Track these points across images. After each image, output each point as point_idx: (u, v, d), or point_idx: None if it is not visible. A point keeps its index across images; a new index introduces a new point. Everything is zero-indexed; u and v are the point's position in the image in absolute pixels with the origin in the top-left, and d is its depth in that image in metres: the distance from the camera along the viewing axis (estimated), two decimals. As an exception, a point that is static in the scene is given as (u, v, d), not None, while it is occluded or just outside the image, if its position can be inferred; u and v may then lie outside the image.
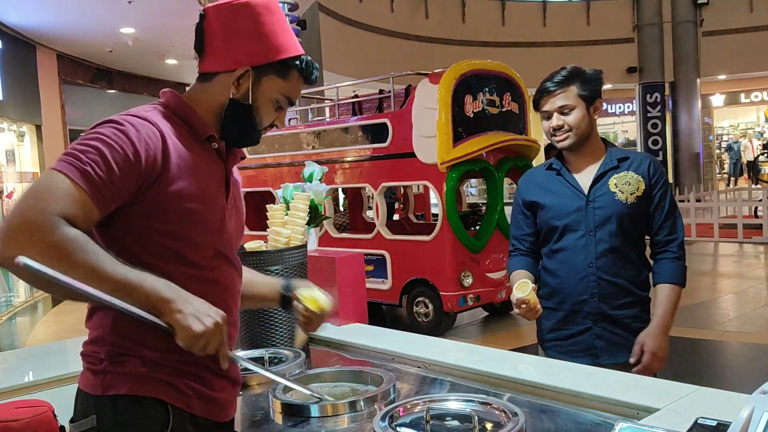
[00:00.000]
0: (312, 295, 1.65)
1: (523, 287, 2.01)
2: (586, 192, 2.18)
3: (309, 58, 1.45)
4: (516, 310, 2.05)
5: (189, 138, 1.35)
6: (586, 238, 2.16)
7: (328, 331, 2.39)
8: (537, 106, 2.22)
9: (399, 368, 1.99)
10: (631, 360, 2.12)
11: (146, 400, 1.28)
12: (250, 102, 1.40)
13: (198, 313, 1.21)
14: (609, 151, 2.22)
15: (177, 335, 1.20)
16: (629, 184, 2.15)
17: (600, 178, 2.18)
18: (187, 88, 1.48)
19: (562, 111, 2.15)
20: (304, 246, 2.33)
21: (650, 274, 2.23)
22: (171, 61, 12.17)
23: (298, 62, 1.42)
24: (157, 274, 1.22)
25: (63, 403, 2.02)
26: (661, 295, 2.17)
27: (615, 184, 2.16)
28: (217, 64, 1.39)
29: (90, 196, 1.18)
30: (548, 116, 2.18)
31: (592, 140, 2.20)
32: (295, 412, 1.63)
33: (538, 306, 2.03)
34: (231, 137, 1.43)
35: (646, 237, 2.24)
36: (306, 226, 2.39)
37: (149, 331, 1.24)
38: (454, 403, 1.56)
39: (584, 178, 2.20)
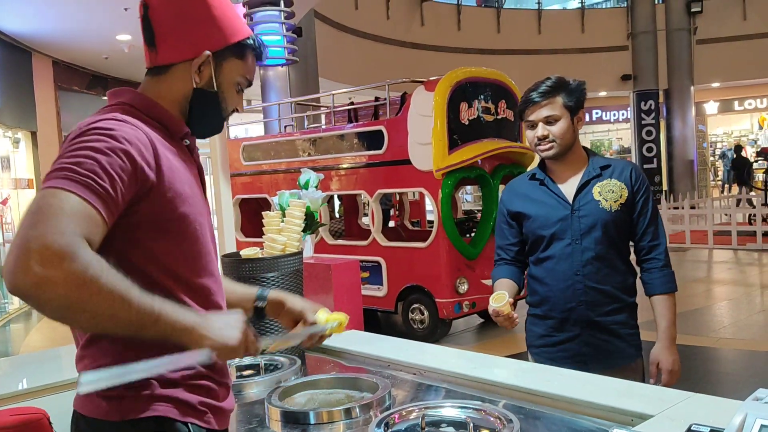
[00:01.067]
0: (333, 317, 1.59)
1: (498, 298, 2.04)
2: (570, 201, 2.20)
3: (257, 35, 1.42)
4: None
5: (166, 138, 1.30)
6: (572, 246, 2.18)
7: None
8: (522, 116, 2.24)
9: (394, 375, 1.99)
10: (651, 382, 2.16)
11: (167, 421, 1.24)
12: (215, 89, 1.35)
13: (223, 330, 1.18)
14: (591, 160, 2.25)
15: (217, 356, 1.17)
16: (612, 192, 2.18)
17: (583, 187, 2.21)
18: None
19: (548, 121, 2.17)
20: (300, 253, 2.33)
21: (636, 280, 2.25)
22: (167, 68, 12.20)
23: (251, 41, 1.38)
24: (159, 290, 1.18)
25: (58, 411, 2.02)
26: (660, 307, 2.21)
27: (599, 192, 2.18)
28: (174, 55, 1.32)
29: (100, 211, 1.09)
30: (533, 126, 2.20)
31: (575, 150, 2.23)
32: (291, 419, 1.63)
33: (514, 315, 2.05)
34: (198, 129, 1.38)
35: (630, 243, 2.27)
36: (302, 233, 2.40)
37: (161, 352, 1.19)
38: (450, 410, 1.57)
39: (568, 187, 2.23)
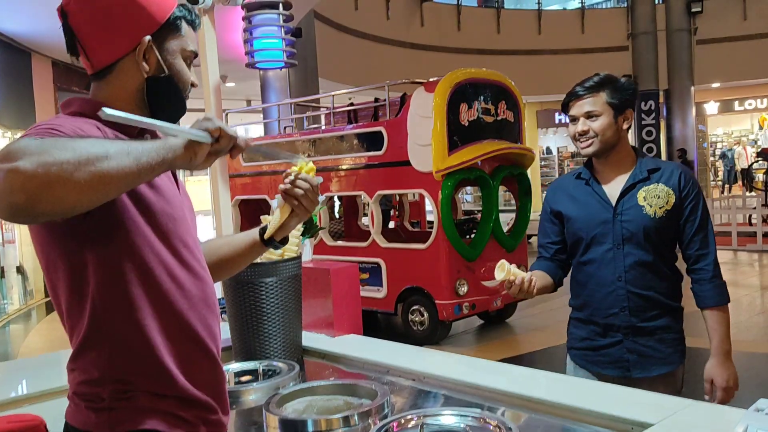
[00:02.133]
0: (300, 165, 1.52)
1: (499, 269, 1.98)
2: (613, 204, 2.14)
3: (183, 3, 1.38)
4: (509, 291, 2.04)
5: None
6: (613, 251, 2.13)
7: (322, 343, 2.38)
8: (565, 109, 2.21)
9: (393, 381, 1.99)
10: (706, 398, 2.13)
11: None
12: (167, 71, 1.31)
13: (199, 126, 1.19)
14: (639, 162, 2.17)
15: (211, 134, 1.18)
16: (659, 198, 2.11)
17: (629, 190, 2.14)
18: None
19: (589, 116, 2.11)
20: (299, 257, 2.32)
21: (681, 284, 2.20)
22: (166, 69, 12.20)
23: (181, 12, 1.34)
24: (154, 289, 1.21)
25: (55, 417, 2.01)
26: (711, 321, 2.14)
27: (644, 197, 2.12)
28: (112, 53, 1.27)
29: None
30: (574, 120, 2.16)
31: (620, 150, 2.15)
32: (289, 427, 1.62)
33: (526, 279, 2.00)
34: (162, 116, 1.29)
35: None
36: (301, 237, 2.39)
37: (150, 364, 1.20)
38: (448, 418, 1.56)
39: (613, 189, 2.16)
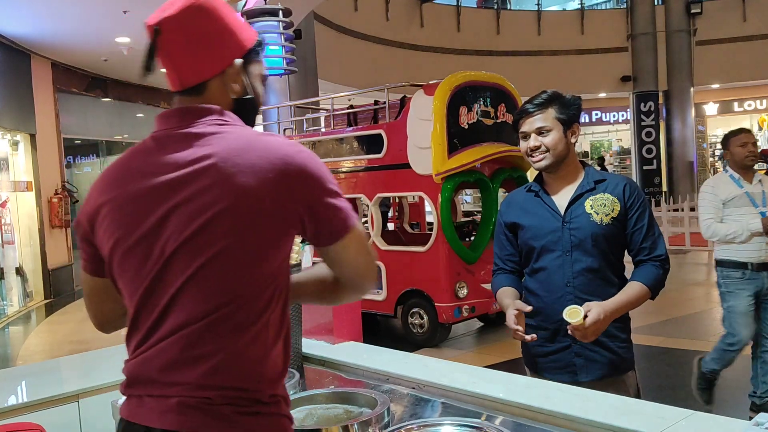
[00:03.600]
0: None
1: (573, 314, 2.05)
2: (562, 213, 2.23)
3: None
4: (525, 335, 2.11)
5: None
6: (562, 258, 2.21)
7: (322, 350, 2.38)
8: (516, 126, 2.30)
9: (393, 389, 1.99)
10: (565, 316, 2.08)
11: None
12: (251, 94, 1.39)
13: None
14: (586, 173, 2.28)
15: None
16: (604, 206, 2.20)
17: (576, 199, 2.23)
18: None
19: (540, 132, 2.22)
20: (298, 265, 2.32)
21: None
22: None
23: (259, 40, 1.43)
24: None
25: (55, 426, 2.02)
26: (629, 288, 2.18)
27: (591, 206, 2.21)
28: (204, 73, 1.33)
29: None
30: (526, 137, 2.26)
31: (569, 162, 2.26)
32: (289, 436, 1.61)
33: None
34: None
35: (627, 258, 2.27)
36: (300, 243, 2.38)
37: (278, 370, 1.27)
38: (447, 428, 1.56)
39: (562, 199, 2.26)
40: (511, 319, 2.13)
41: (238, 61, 1.35)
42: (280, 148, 1.26)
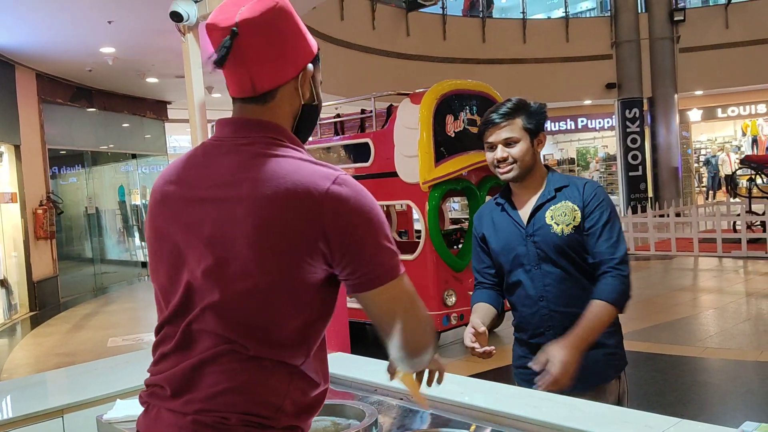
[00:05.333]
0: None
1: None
2: (525, 226, 2.19)
3: None
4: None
5: None
6: (532, 272, 2.17)
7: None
8: (482, 137, 2.22)
9: (381, 400, 1.98)
10: (534, 367, 1.99)
11: None
12: (316, 99, 1.34)
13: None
14: (548, 181, 2.22)
15: None
16: (565, 215, 2.14)
17: (536, 210, 2.19)
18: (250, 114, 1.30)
19: (507, 143, 2.15)
20: None
21: None
22: (152, 80, 12.11)
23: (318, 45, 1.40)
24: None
25: (39, 442, 1.99)
26: (590, 311, 2.04)
27: (551, 216, 2.16)
28: (278, 79, 1.26)
29: None
30: (492, 148, 2.19)
31: (535, 172, 2.20)
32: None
33: (489, 350, 2.04)
34: (302, 138, 1.36)
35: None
36: None
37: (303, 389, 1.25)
38: (437, 440, 1.56)
39: (526, 211, 2.22)
40: (467, 338, 2.07)
41: (310, 66, 1.30)
42: (313, 176, 1.18)
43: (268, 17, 1.22)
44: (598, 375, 2.15)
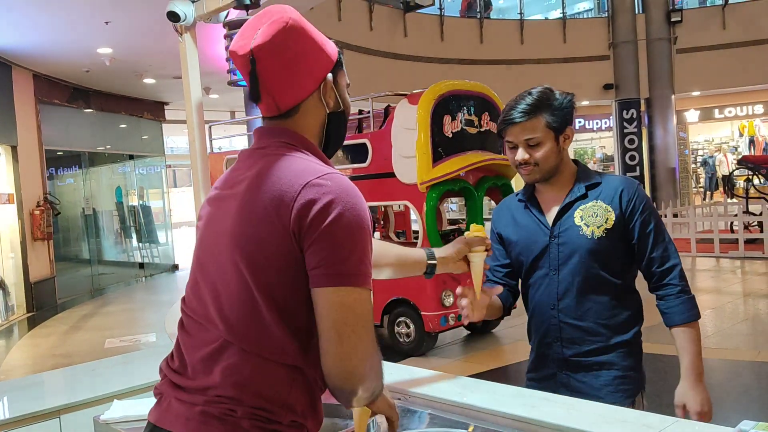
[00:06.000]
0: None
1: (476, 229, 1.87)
2: (551, 226, 2.01)
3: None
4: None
5: None
6: (549, 277, 1.99)
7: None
8: (502, 134, 2.00)
9: (379, 400, 1.97)
10: (683, 418, 1.88)
11: None
12: (342, 105, 1.38)
13: None
14: (578, 178, 2.02)
15: None
16: (596, 216, 1.94)
17: (565, 210, 1.99)
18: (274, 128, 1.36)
19: (529, 143, 1.94)
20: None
21: (632, 315, 2.01)
22: (149, 81, 12.10)
23: (339, 49, 1.42)
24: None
25: (36, 443, 1.99)
26: (681, 340, 1.94)
27: (581, 217, 1.96)
28: (300, 94, 1.32)
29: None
30: (513, 147, 1.98)
31: (563, 169, 2.01)
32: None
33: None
34: (333, 149, 1.41)
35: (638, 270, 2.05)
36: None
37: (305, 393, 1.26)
38: (435, 439, 1.56)
39: (552, 209, 2.03)
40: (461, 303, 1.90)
41: (330, 75, 1.34)
42: (302, 171, 1.22)
43: (280, 39, 1.27)
44: (602, 401, 1.85)
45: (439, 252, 1.81)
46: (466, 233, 1.86)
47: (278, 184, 1.21)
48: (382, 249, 1.74)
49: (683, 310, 1.95)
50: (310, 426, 1.29)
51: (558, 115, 1.94)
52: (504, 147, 2.06)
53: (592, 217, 1.95)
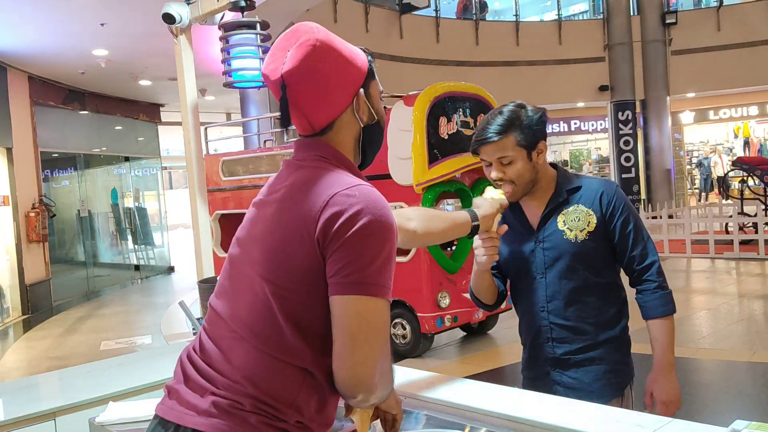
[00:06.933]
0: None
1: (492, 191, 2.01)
2: (536, 231, 2.08)
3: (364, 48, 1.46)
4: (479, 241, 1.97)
5: None
6: (537, 280, 2.06)
7: (303, 362, 2.36)
8: (476, 152, 2.06)
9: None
10: (647, 411, 1.97)
11: None
12: (376, 117, 1.39)
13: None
14: (558, 183, 2.08)
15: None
16: (579, 220, 2.01)
17: (548, 216, 2.06)
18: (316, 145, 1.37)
19: (501, 162, 1.99)
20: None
21: (618, 312, 2.10)
22: (144, 82, 12.08)
23: (370, 57, 1.41)
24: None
25: (32, 445, 1.98)
26: (654, 331, 2.05)
27: (563, 222, 2.03)
28: (333, 113, 1.33)
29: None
30: (488, 164, 2.04)
31: (540, 179, 2.06)
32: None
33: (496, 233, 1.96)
34: (371, 158, 1.44)
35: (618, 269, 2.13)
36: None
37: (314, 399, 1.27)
38: (430, 440, 1.56)
39: (535, 216, 2.09)
40: (480, 252, 1.97)
41: (362, 90, 1.35)
42: (333, 182, 1.25)
43: (310, 62, 1.28)
44: (594, 395, 1.99)
45: (479, 212, 1.88)
46: (485, 195, 1.99)
47: (308, 194, 1.24)
48: (436, 213, 1.84)
49: (659, 305, 2.05)
50: (317, 429, 1.29)
51: (528, 133, 1.98)
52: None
53: (575, 222, 2.03)
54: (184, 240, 15.07)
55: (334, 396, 1.30)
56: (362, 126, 1.36)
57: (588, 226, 2.01)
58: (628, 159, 18.37)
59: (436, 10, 17.61)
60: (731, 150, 22.40)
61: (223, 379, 1.24)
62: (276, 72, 1.29)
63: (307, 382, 1.25)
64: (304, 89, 1.29)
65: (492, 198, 1.96)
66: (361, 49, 1.42)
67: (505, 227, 1.99)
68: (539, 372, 2.13)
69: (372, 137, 1.39)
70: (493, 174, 2.02)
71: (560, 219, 2.04)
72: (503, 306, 2.35)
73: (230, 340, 1.27)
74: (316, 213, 1.21)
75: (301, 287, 1.22)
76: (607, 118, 19.43)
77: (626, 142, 18.37)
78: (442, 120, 6.37)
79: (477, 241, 1.97)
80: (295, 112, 1.32)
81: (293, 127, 1.36)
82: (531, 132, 1.98)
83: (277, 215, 1.28)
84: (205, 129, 8.36)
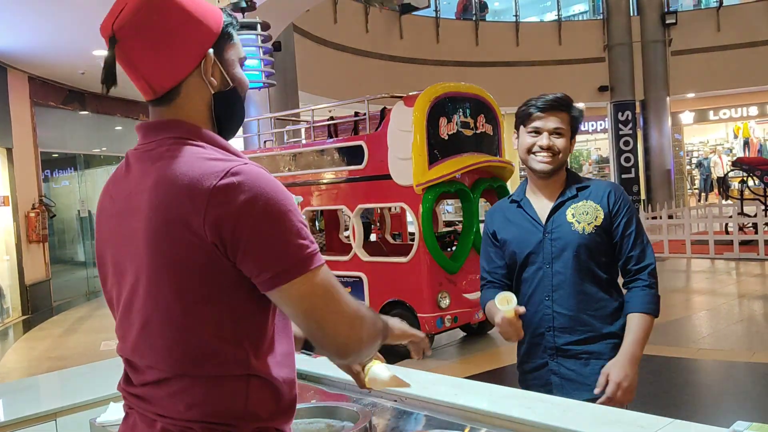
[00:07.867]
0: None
1: (503, 300, 1.97)
2: (544, 223, 2.16)
3: (221, 8, 1.31)
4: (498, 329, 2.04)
5: None
6: (543, 270, 2.14)
7: (303, 363, 2.36)
8: (526, 121, 2.15)
9: (376, 402, 1.98)
10: (596, 391, 2.04)
11: None
12: (231, 83, 1.25)
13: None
14: (568, 181, 2.20)
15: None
16: (587, 214, 2.12)
17: (557, 208, 2.16)
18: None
19: (555, 132, 2.12)
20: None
21: (618, 308, 2.17)
22: (145, 83, 12.11)
23: (228, 19, 1.26)
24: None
25: (32, 446, 1.99)
26: (631, 324, 2.10)
27: (572, 214, 2.13)
28: (177, 74, 1.19)
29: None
30: (537, 133, 2.13)
31: (563, 170, 2.20)
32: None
33: (519, 324, 2.00)
34: (230, 132, 1.28)
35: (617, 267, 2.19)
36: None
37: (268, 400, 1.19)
38: (431, 441, 1.56)
39: (543, 209, 2.18)
40: (504, 325, 2.01)
41: (211, 51, 1.20)
42: (204, 172, 1.10)
43: (143, 15, 1.15)
44: (590, 388, 2.08)
45: (399, 326, 1.67)
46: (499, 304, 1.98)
47: (181, 195, 1.10)
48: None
49: (644, 302, 2.10)
50: (282, 424, 1.22)
51: (576, 119, 2.17)
52: (519, 133, 2.19)
53: (583, 215, 2.12)
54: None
55: (288, 381, 1.22)
56: (214, 92, 1.22)
57: (595, 220, 2.11)
58: (627, 159, 18.38)
59: (436, 11, 17.62)
60: (731, 150, 22.39)
61: (169, 414, 1.17)
62: (106, 28, 1.17)
63: (254, 388, 1.17)
64: (139, 45, 1.16)
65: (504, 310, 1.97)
66: (227, 12, 1.28)
67: (523, 309, 2.01)
68: (537, 363, 2.19)
69: (227, 105, 1.24)
70: (543, 141, 2.11)
71: (569, 212, 2.14)
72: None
73: (157, 382, 1.18)
74: (199, 216, 1.08)
75: (212, 297, 1.12)
76: (606, 119, 19.44)
77: (626, 143, 18.38)
78: (442, 120, 6.38)
79: (499, 325, 2.04)
80: (132, 72, 1.20)
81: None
82: (576, 121, 2.17)
83: (154, 228, 1.12)
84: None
